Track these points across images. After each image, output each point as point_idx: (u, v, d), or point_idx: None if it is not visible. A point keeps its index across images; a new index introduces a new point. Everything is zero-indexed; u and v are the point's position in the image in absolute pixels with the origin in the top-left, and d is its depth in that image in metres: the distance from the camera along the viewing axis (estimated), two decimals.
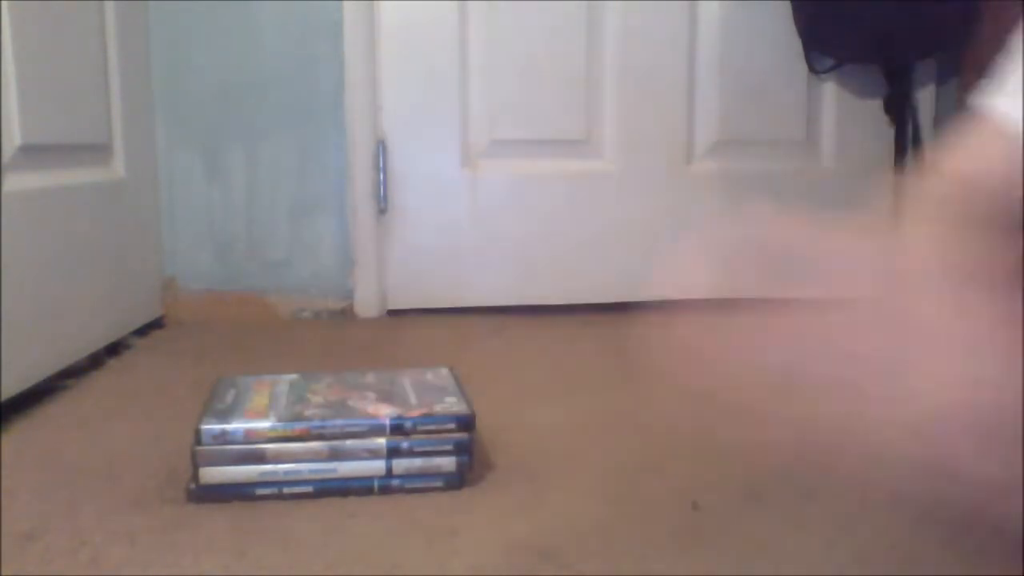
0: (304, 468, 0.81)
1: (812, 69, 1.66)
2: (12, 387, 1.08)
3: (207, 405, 0.85)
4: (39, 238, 1.17)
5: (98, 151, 1.40)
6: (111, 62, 1.42)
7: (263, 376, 0.94)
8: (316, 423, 0.81)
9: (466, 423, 0.84)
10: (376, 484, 0.82)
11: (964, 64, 1.61)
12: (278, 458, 0.81)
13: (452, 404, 0.86)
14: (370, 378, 0.94)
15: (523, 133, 1.66)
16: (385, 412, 0.83)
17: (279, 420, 0.81)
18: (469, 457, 0.84)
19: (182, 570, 0.69)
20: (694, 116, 1.68)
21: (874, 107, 1.69)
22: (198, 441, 0.80)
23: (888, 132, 1.69)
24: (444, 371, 0.97)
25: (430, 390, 0.90)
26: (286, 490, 0.81)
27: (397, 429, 0.82)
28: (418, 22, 1.61)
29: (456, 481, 0.83)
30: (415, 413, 0.83)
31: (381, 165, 1.64)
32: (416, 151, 1.64)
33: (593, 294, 1.70)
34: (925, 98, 1.69)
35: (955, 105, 1.65)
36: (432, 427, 0.83)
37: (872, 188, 1.72)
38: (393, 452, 0.82)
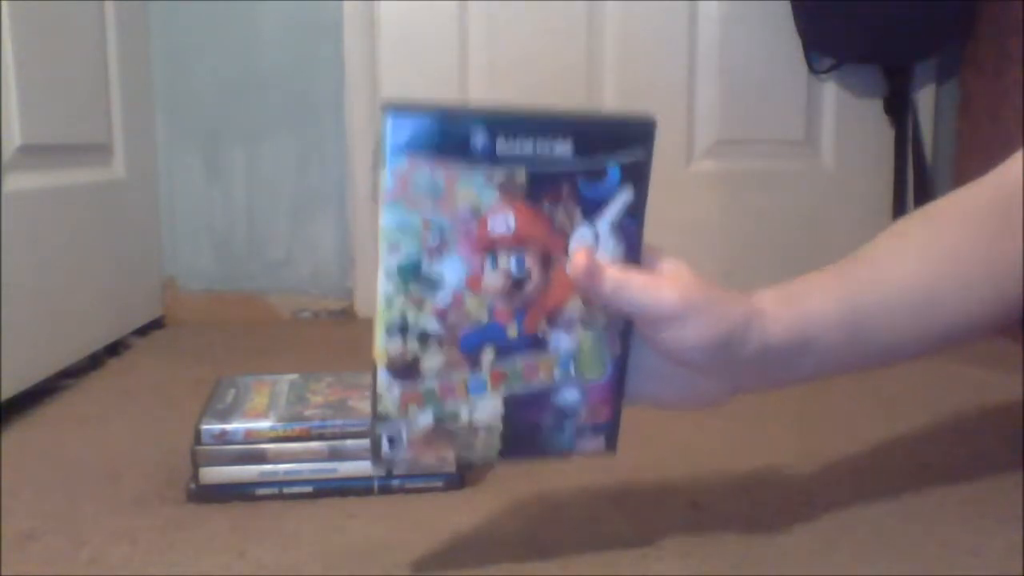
0: (304, 468, 0.81)
1: (812, 69, 1.66)
2: (12, 387, 1.08)
3: (207, 405, 0.85)
4: (39, 238, 1.17)
5: (98, 151, 1.40)
6: (111, 62, 1.42)
7: (263, 376, 0.94)
8: (316, 423, 0.81)
9: None
10: (376, 484, 0.82)
11: (964, 64, 1.61)
12: (278, 458, 0.81)
13: None
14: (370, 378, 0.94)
15: None
16: None
17: (279, 420, 0.81)
18: None
19: (182, 570, 0.69)
20: (694, 116, 1.68)
21: (874, 107, 1.69)
22: (198, 441, 0.80)
23: (888, 132, 1.69)
24: None
25: None
26: (286, 490, 0.81)
27: None
28: (418, 22, 1.61)
29: (456, 481, 0.83)
30: None
31: None
32: None
33: None
34: (925, 98, 1.69)
35: (955, 105, 1.65)
36: None
37: (872, 188, 1.73)
38: None
